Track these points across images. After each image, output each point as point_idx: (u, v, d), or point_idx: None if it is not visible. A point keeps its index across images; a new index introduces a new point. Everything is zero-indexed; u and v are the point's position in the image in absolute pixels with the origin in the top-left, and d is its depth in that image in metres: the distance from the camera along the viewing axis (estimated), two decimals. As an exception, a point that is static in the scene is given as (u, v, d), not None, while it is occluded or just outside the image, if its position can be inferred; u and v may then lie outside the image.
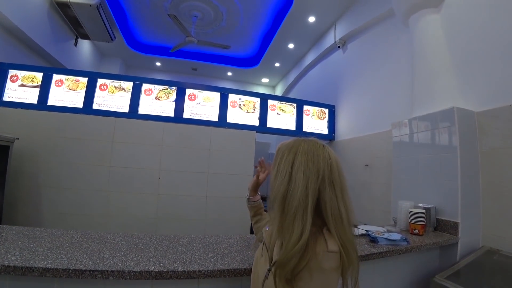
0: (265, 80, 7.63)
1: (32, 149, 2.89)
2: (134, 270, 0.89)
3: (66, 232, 1.24)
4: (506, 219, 1.72)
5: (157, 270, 0.91)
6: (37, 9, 3.55)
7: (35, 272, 0.83)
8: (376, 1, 3.37)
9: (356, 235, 1.64)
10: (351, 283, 0.72)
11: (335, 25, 4.37)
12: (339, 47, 4.26)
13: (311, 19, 4.40)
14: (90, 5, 3.71)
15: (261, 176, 1.20)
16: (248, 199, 1.21)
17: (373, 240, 1.55)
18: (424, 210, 1.84)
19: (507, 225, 1.71)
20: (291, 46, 5.37)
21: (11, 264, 0.84)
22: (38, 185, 2.91)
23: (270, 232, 0.79)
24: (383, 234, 1.60)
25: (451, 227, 1.82)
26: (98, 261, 0.94)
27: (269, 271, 0.76)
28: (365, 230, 1.72)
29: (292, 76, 6.41)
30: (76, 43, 4.75)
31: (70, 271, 0.85)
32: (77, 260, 0.93)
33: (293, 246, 0.67)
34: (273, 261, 0.73)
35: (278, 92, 7.66)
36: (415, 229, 1.79)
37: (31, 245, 1.03)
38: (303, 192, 0.71)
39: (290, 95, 6.64)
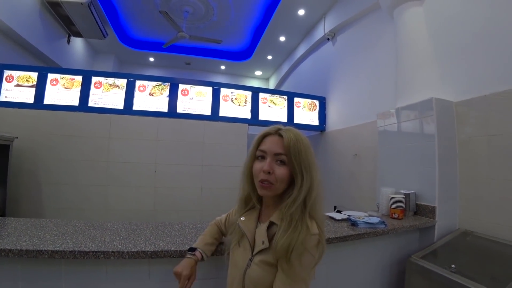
0: (258, 72, 7.70)
1: (31, 147, 3.00)
2: (132, 250, 1.01)
3: (69, 221, 1.37)
4: (480, 203, 1.83)
5: (152, 250, 1.03)
6: (29, 9, 3.59)
7: (45, 254, 0.95)
8: (364, -6, 3.42)
9: (338, 220, 1.78)
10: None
11: (324, 17, 4.44)
12: (328, 39, 4.35)
13: (301, 12, 4.47)
14: (81, 3, 3.75)
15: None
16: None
17: (353, 223, 1.67)
18: (403, 196, 1.94)
19: (482, 209, 1.82)
20: (282, 39, 5.43)
21: (23, 248, 0.95)
22: (39, 181, 3.03)
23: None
24: (363, 218, 1.71)
25: (429, 211, 1.93)
26: (100, 244, 1.06)
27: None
28: (347, 215, 1.84)
29: (284, 69, 6.49)
30: (69, 41, 4.79)
31: (76, 253, 0.97)
32: (81, 243, 1.05)
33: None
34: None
35: (272, 84, 7.74)
36: (395, 214, 1.90)
37: (39, 233, 1.15)
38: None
39: (283, 87, 6.73)
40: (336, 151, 3.89)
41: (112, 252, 0.99)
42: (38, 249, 0.95)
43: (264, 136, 0.86)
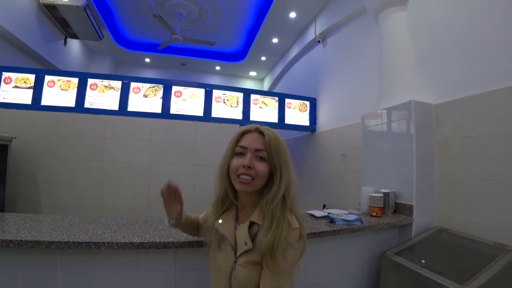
0: (252, 73, 7.81)
1: (29, 147, 3.10)
2: (121, 241, 1.13)
3: (65, 217, 1.48)
4: (456, 202, 1.91)
5: (139, 242, 1.15)
6: (26, 11, 3.68)
7: (42, 245, 1.07)
8: (352, -2, 3.50)
9: (318, 217, 1.88)
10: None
11: (315, 20, 4.55)
12: (319, 41, 4.44)
13: (292, 14, 4.58)
14: (77, 7, 3.85)
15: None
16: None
17: (331, 220, 1.76)
18: (381, 195, 2.04)
19: (457, 207, 1.90)
20: (275, 40, 5.54)
21: (23, 239, 1.07)
22: (36, 180, 3.13)
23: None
24: (342, 216, 1.80)
25: (407, 210, 2.00)
26: (92, 236, 1.18)
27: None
28: (327, 213, 1.95)
29: (278, 69, 6.60)
30: (65, 43, 4.88)
31: (70, 243, 1.09)
32: (75, 235, 1.17)
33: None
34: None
35: (266, 84, 7.84)
36: (373, 212, 1.99)
37: (37, 226, 1.26)
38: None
39: (277, 88, 6.84)
40: (325, 151, 4.00)
41: (103, 243, 1.10)
42: (36, 239, 1.07)
43: (243, 134, 0.88)
